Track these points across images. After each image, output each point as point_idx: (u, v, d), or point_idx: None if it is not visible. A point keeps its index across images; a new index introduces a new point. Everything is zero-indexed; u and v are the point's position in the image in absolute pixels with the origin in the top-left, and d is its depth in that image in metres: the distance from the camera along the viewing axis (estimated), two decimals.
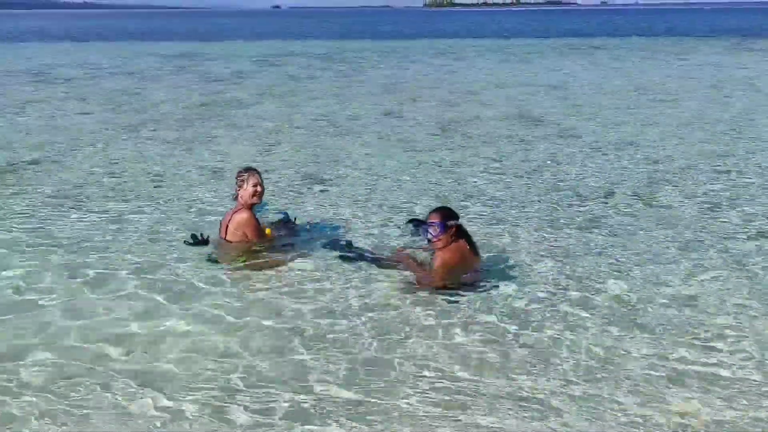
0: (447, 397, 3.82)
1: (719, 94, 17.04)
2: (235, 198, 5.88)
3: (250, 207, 5.86)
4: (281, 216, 6.64)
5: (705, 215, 7.21)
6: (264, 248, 5.92)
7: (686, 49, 33.93)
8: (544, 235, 6.58)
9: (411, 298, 5.10)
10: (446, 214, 5.33)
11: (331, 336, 4.55)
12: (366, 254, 5.87)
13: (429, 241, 5.31)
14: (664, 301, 5.07)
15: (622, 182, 8.58)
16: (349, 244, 6.06)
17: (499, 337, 4.51)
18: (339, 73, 23.46)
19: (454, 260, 5.29)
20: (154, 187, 8.43)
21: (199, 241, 6.01)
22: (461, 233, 5.36)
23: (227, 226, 5.86)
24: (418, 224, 5.41)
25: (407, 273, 5.46)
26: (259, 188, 5.78)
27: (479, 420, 3.62)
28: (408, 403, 3.77)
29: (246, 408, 3.73)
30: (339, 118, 13.89)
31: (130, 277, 5.52)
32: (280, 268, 5.69)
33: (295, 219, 6.62)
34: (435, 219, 5.25)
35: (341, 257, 5.83)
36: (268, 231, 6.03)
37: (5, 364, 4.16)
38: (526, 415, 3.66)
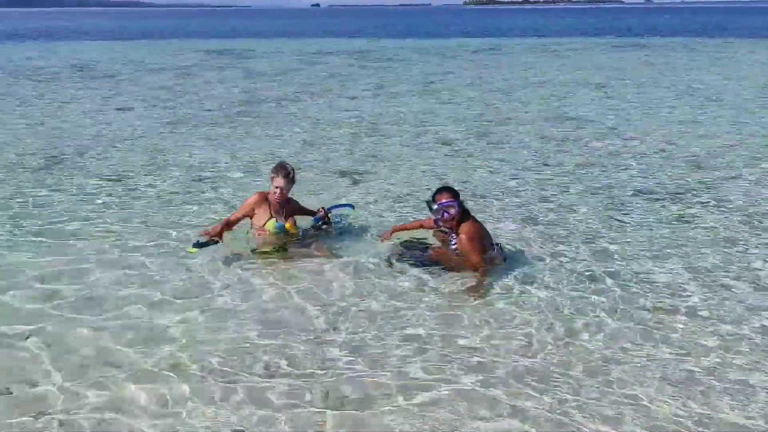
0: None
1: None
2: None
3: (273, 199, 5.96)
4: (346, 209, 6.82)
5: (747, 222, 7.03)
6: (295, 242, 6.00)
7: (737, 49, 33.03)
8: (579, 233, 6.52)
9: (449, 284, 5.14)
10: (455, 192, 5.49)
11: (360, 326, 4.61)
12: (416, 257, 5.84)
13: (445, 221, 5.42)
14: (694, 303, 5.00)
15: (663, 184, 8.44)
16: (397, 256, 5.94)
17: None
18: (377, 71, 23.52)
19: (478, 232, 5.43)
20: (193, 180, 8.61)
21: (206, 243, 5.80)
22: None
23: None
24: (440, 207, 5.42)
25: (448, 266, 5.52)
26: (278, 193, 5.90)
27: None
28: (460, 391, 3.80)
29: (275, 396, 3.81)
30: (376, 115, 13.93)
31: (162, 267, 5.67)
32: (310, 259, 5.78)
33: (328, 218, 6.53)
34: (447, 198, 5.40)
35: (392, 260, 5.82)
36: (288, 225, 5.99)
37: (51, 340, 4.33)
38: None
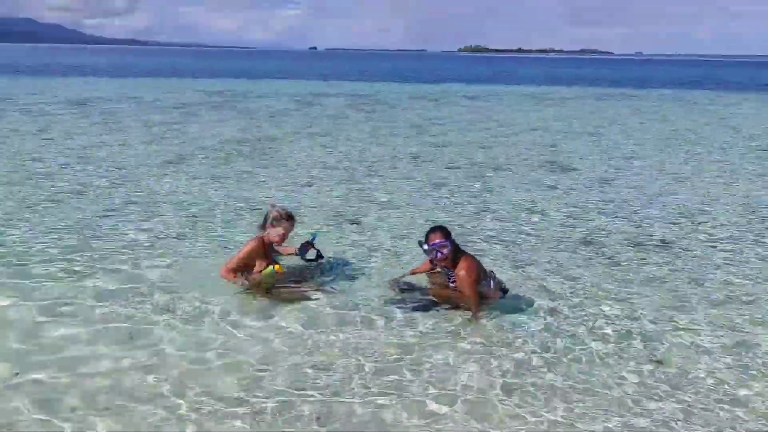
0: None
1: (754, 145, 16.91)
2: (261, 227, 6.02)
3: (268, 243, 5.98)
4: (310, 237, 6.51)
5: (734, 270, 7.12)
6: (282, 283, 5.97)
7: (725, 101, 33.72)
8: (566, 280, 6.56)
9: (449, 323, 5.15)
10: (447, 231, 5.59)
11: (353, 366, 4.60)
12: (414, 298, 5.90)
13: (439, 260, 5.54)
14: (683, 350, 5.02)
15: (650, 231, 8.55)
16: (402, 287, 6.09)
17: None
18: (373, 114, 23.83)
19: (475, 268, 5.51)
20: (187, 220, 8.63)
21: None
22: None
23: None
24: (433, 247, 5.52)
25: (448, 304, 5.64)
26: (284, 237, 5.96)
27: None
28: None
29: None
30: (371, 158, 14.07)
31: (154, 306, 5.66)
32: (302, 302, 5.78)
33: (315, 243, 6.40)
34: (440, 239, 5.49)
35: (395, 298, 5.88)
36: (277, 267, 5.97)
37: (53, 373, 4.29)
38: None
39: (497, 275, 5.77)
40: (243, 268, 5.92)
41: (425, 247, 5.57)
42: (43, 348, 4.82)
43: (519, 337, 5.21)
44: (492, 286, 5.59)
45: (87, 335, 5.07)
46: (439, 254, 5.50)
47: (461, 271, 5.45)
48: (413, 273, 6.36)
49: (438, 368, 4.68)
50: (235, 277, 5.89)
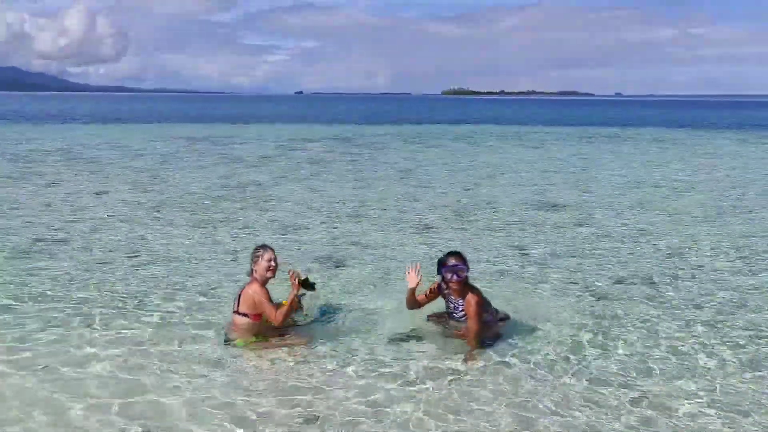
0: None
1: (733, 183, 17.16)
2: (250, 274, 5.96)
3: (264, 282, 5.92)
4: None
5: (719, 311, 7.11)
6: (276, 327, 5.88)
7: (699, 140, 34.37)
8: (555, 321, 6.51)
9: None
10: (464, 257, 5.77)
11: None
12: None
13: (454, 282, 5.64)
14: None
15: (635, 270, 8.55)
16: None
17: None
18: (358, 157, 23.97)
19: (482, 300, 5.75)
20: (172, 267, 8.50)
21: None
22: None
23: (239, 297, 5.93)
24: (452, 267, 5.65)
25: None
26: (272, 263, 5.89)
27: None
28: None
29: None
30: (357, 200, 14.06)
31: (142, 356, 5.53)
32: (292, 349, 5.69)
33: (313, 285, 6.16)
34: (459, 261, 5.67)
35: None
36: (285, 302, 5.91)
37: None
38: None
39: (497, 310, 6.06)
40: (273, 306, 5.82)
41: (451, 263, 5.64)
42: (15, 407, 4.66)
43: (500, 383, 5.13)
44: (493, 316, 5.86)
45: (72, 388, 4.93)
46: (456, 276, 5.63)
47: (472, 300, 5.61)
48: (420, 300, 6.06)
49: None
50: (283, 315, 5.77)
